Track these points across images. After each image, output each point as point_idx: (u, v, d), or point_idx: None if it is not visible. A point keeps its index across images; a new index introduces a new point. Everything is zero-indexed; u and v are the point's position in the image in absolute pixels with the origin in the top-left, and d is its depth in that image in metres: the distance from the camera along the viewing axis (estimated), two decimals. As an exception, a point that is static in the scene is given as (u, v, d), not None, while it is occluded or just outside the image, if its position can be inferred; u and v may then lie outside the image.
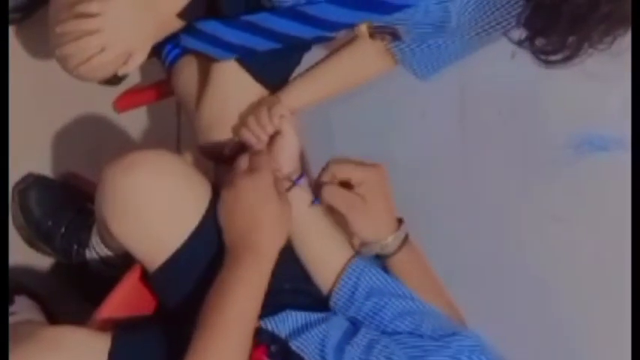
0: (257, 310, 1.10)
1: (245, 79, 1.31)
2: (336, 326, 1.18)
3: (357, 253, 1.22)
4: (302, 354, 1.11)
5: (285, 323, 1.15)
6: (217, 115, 1.30)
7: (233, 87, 1.31)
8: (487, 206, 1.28)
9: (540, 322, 1.36)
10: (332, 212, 1.23)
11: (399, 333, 1.18)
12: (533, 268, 1.38)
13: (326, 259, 1.21)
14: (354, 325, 1.20)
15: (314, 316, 1.18)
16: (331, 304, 1.21)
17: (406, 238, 1.22)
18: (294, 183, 1.20)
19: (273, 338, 1.13)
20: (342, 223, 1.22)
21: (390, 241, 1.20)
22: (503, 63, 1.36)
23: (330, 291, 1.21)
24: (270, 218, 1.13)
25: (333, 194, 1.20)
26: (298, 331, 1.14)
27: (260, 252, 1.12)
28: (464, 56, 1.22)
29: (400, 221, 1.22)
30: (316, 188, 1.22)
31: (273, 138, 1.22)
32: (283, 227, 1.16)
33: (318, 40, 1.29)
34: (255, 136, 1.23)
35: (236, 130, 1.29)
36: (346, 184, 1.22)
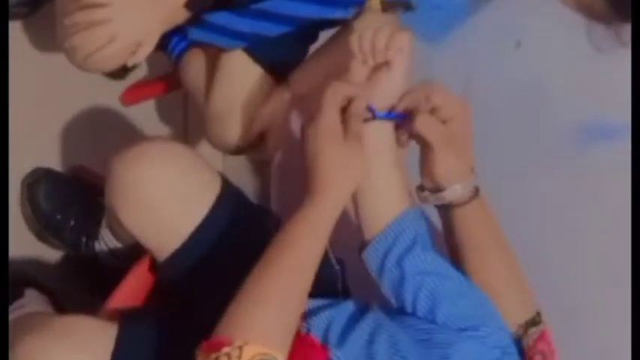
0: (319, 253, 1.06)
1: (254, 68, 1.32)
2: (343, 311, 1.18)
3: (422, 199, 1.16)
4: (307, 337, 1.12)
5: None
6: (228, 104, 1.32)
7: (243, 76, 1.32)
8: (493, 197, 1.27)
9: (548, 312, 1.36)
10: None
11: (411, 315, 1.18)
12: (542, 259, 1.37)
13: (379, 208, 1.16)
14: (361, 312, 1.20)
15: (321, 301, 1.18)
16: (364, 258, 1.18)
17: (477, 190, 1.15)
18: (374, 116, 1.12)
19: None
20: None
21: (463, 187, 1.12)
22: (509, 52, 1.37)
23: (370, 241, 1.17)
24: (331, 164, 1.06)
25: (427, 124, 1.10)
26: (305, 315, 1.15)
27: (324, 194, 1.06)
28: (471, 12, 1.18)
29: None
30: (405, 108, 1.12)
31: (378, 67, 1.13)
32: (349, 170, 1.08)
33: (331, 24, 1.29)
34: (363, 55, 1.12)
35: (247, 118, 1.29)
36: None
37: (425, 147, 1.13)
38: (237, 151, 1.35)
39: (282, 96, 1.34)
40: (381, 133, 1.15)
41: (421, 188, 1.17)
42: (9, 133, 1.44)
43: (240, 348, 0.94)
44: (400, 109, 1.13)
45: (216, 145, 1.36)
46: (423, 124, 1.10)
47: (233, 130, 1.32)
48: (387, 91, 1.13)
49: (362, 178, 1.10)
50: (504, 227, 1.29)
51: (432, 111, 1.12)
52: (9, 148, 1.45)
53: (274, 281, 1.02)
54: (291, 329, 1.01)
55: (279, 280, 1.02)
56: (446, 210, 1.17)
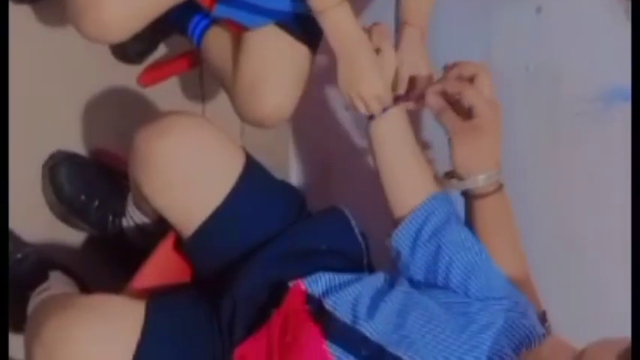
0: None
1: (285, 39, 1.31)
2: (370, 285, 1.18)
3: (441, 185, 1.22)
4: (335, 312, 1.12)
5: (318, 283, 1.16)
6: (259, 76, 1.31)
7: (273, 47, 1.32)
8: (514, 164, 1.27)
9: (571, 279, 1.35)
10: None
11: (442, 288, 1.18)
12: (565, 226, 1.37)
13: (407, 192, 1.23)
14: (388, 285, 1.20)
15: (348, 276, 1.19)
16: (394, 239, 1.22)
17: (500, 185, 1.20)
18: (396, 101, 1.22)
19: (307, 298, 1.14)
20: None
21: (484, 179, 1.18)
22: (529, 18, 1.35)
23: (400, 223, 1.22)
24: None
25: (448, 116, 1.18)
26: (332, 290, 1.15)
27: None
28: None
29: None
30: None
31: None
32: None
33: None
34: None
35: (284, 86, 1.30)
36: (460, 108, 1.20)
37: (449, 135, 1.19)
38: (269, 122, 1.34)
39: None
40: (399, 121, 1.23)
41: (449, 175, 1.23)
42: (28, 118, 1.47)
43: None
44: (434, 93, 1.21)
45: (247, 118, 1.35)
46: (446, 117, 1.18)
47: (268, 100, 1.31)
48: (387, 74, 1.23)
49: None
50: (527, 194, 1.30)
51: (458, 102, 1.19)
52: (29, 132, 1.47)
53: None
54: None
55: None
56: (467, 199, 1.22)
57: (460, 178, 1.20)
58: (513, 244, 1.23)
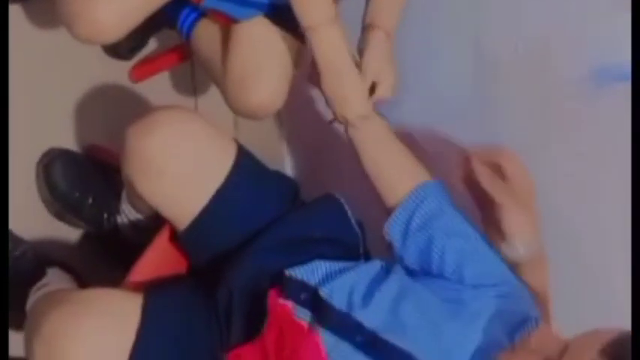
0: None
1: (274, 31, 1.32)
2: (366, 273, 1.19)
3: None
4: (330, 300, 1.12)
5: (314, 272, 1.17)
6: (249, 68, 1.31)
7: (263, 39, 1.32)
8: (506, 144, 1.27)
9: (566, 260, 1.35)
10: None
11: (437, 276, 1.19)
12: (557, 207, 1.37)
13: (395, 183, 1.25)
14: (384, 273, 1.21)
15: (343, 264, 1.19)
16: (386, 230, 1.23)
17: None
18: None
19: (303, 286, 1.14)
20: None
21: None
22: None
23: (391, 213, 1.23)
24: None
25: (494, 185, 1.21)
26: (327, 279, 1.16)
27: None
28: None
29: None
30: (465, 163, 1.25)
31: None
32: None
33: None
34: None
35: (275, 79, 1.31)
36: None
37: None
38: (262, 113, 1.35)
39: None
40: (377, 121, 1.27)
41: None
42: (21, 116, 1.47)
43: None
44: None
45: (238, 109, 1.35)
46: (492, 187, 1.21)
47: (259, 93, 1.32)
48: None
49: None
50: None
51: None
52: (22, 130, 1.47)
53: None
54: None
55: None
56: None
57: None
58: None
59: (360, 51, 1.29)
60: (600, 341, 0.95)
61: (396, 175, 1.26)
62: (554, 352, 0.98)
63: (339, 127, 1.31)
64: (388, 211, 1.26)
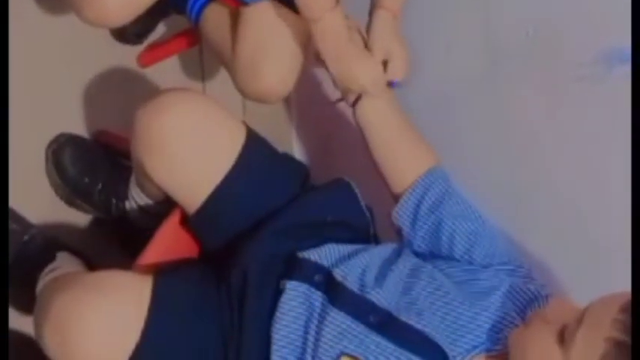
0: None
1: (284, 14, 1.31)
2: (377, 255, 1.20)
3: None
4: (344, 282, 1.13)
5: (327, 254, 1.17)
6: (259, 52, 1.31)
7: (272, 22, 1.31)
8: (516, 129, 1.27)
9: (574, 243, 1.35)
10: None
11: (446, 258, 1.20)
12: (565, 190, 1.37)
13: (404, 168, 1.26)
14: (395, 255, 1.21)
15: (355, 247, 1.20)
16: (395, 216, 1.25)
17: None
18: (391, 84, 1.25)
19: (316, 268, 1.15)
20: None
21: None
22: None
23: (399, 200, 1.25)
24: None
25: None
26: (341, 261, 1.16)
27: None
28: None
29: None
30: None
31: None
32: None
33: None
34: None
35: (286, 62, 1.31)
36: None
37: None
38: (271, 97, 1.35)
39: None
40: (387, 99, 1.27)
41: None
42: (30, 101, 1.47)
43: None
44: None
45: (248, 94, 1.34)
46: None
47: (269, 77, 1.31)
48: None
49: None
50: (529, 159, 1.29)
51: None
52: (32, 116, 1.47)
53: None
54: None
55: None
56: None
57: None
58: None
59: (368, 32, 1.28)
60: (619, 302, 0.95)
61: (404, 159, 1.27)
62: (572, 320, 0.98)
63: (347, 110, 1.31)
64: (396, 196, 1.27)
